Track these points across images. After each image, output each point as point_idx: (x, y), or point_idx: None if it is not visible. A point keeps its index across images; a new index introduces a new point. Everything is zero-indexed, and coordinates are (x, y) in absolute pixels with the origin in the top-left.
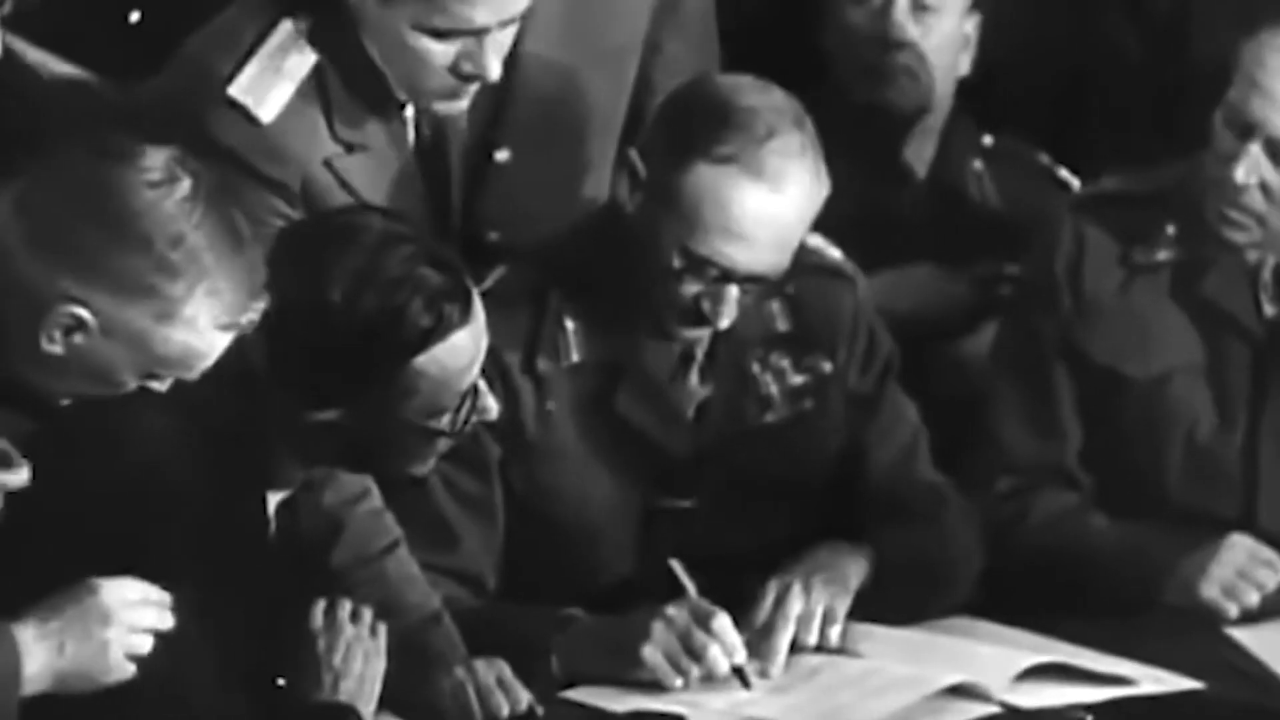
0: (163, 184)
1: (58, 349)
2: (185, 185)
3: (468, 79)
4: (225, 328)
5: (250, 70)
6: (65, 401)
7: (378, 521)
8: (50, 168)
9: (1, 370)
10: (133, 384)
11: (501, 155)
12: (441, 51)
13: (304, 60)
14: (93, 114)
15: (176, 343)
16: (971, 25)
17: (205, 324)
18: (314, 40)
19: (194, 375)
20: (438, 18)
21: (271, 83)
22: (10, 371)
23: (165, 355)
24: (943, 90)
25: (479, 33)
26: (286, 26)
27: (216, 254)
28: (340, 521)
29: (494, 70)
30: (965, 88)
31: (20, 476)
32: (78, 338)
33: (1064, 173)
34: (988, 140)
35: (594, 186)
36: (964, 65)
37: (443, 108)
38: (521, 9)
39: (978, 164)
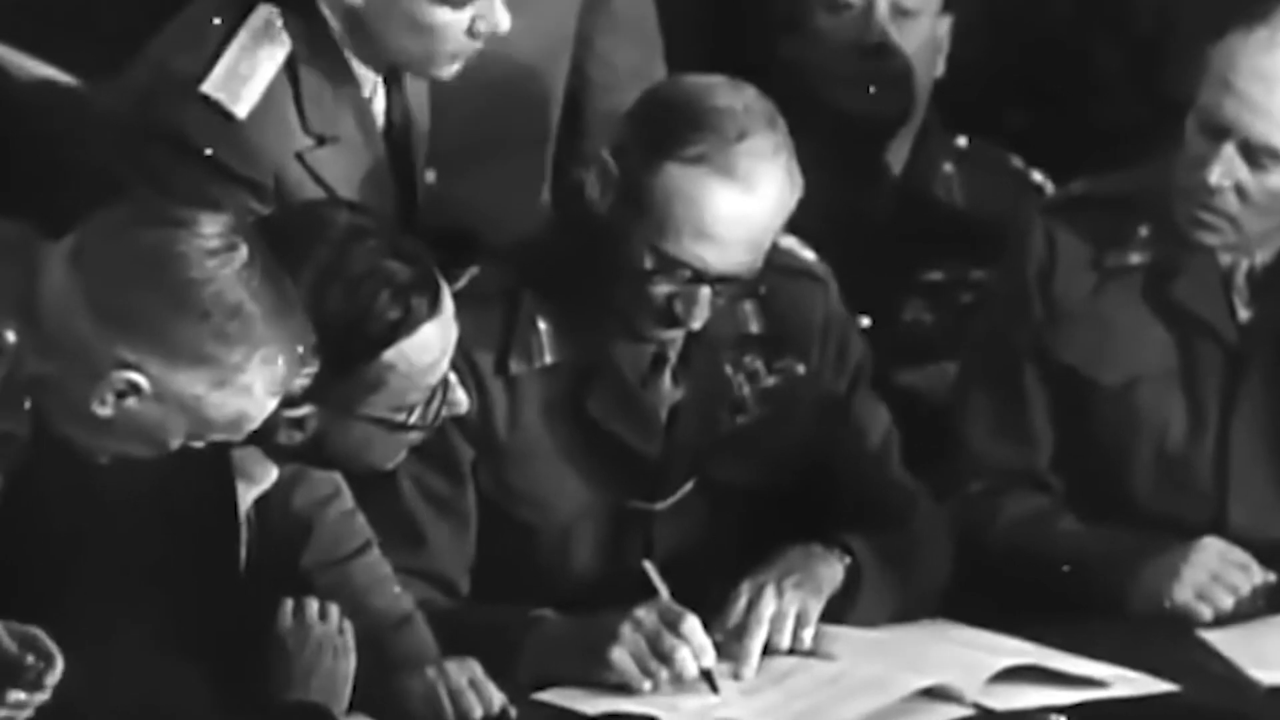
0: (221, 252)
1: (107, 411)
2: (243, 253)
3: (478, 37)
4: (277, 393)
5: (223, 65)
6: (104, 460)
7: (349, 523)
8: (106, 231)
9: (43, 427)
10: (178, 445)
11: (429, 175)
12: (458, 19)
13: (278, 50)
14: (70, 116)
15: (231, 408)
16: (944, 27)
17: (260, 391)
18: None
19: (241, 438)
20: None
21: (246, 77)
22: (52, 428)
23: (217, 419)
24: (920, 93)
25: None
26: (262, 14)
27: (271, 321)
28: (310, 523)
29: (506, 22)
30: (942, 90)
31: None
32: (130, 401)
33: (1037, 176)
34: (961, 142)
35: (531, 178)
36: (939, 67)
37: (445, 72)
38: None
39: (948, 167)
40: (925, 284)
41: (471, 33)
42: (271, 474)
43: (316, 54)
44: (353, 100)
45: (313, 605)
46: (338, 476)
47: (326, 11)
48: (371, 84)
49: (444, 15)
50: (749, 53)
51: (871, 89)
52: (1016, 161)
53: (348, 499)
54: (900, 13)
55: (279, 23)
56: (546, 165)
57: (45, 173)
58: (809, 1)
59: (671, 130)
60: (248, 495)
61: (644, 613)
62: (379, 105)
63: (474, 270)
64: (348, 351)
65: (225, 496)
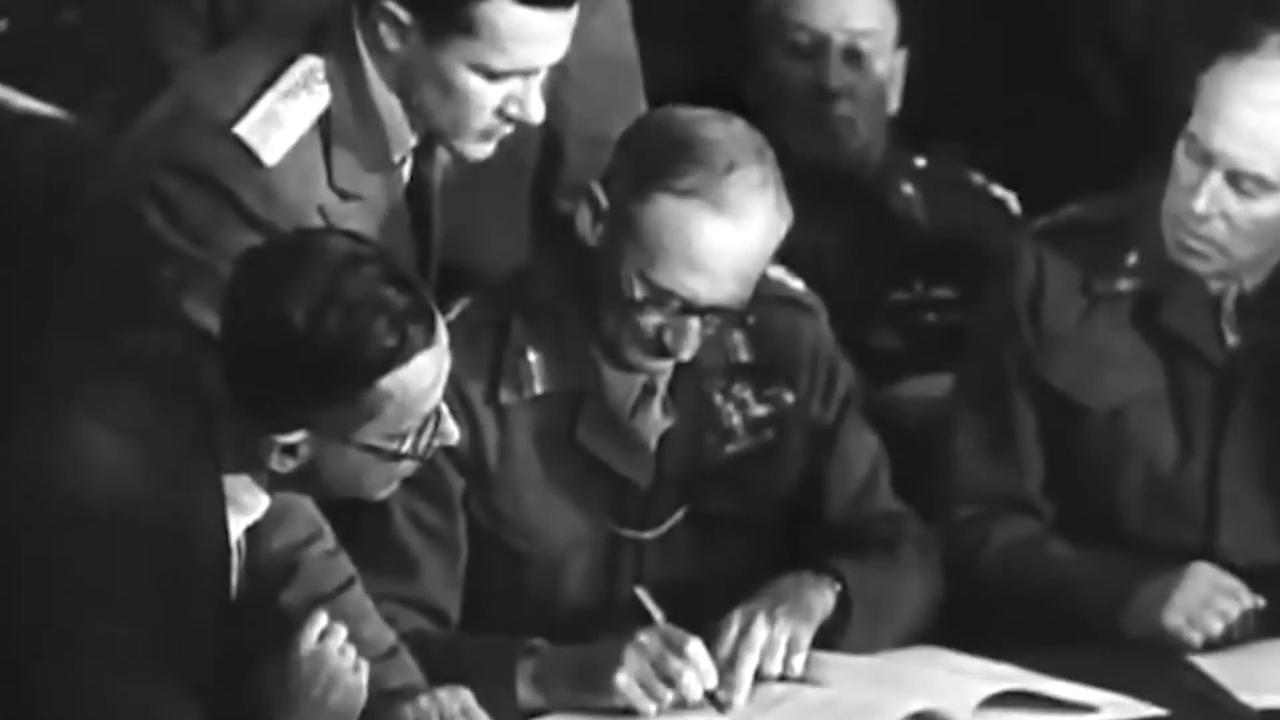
0: None
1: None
2: None
3: (510, 121)
4: None
5: (260, 110)
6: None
7: (331, 561)
8: None
9: None
10: None
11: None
12: (491, 92)
13: (316, 102)
14: (58, 151)
15: None
16: (899, 61)
17: None
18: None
19: None
20: (497, 58)
21: (279, 124)
22: None
23: None
24: (878, 130)
25: (528, 74)
26: (306, 64)
27: None
28: (294, 563)
29: (540, 113)
30: (922, 113)
31: None
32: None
33: (999, 190)
34: (920, 163)
35: (512, 209)
36: (895, 102)
37: (476, 150)
38: (564, 51)
39: (908, 187)
40: (890, 305)
41: (502, 113)
42: (262, 503)
43: (353, 111)
44: (381, 161)
45: (339, 634)
46: (318, 517)
47: (369, 67)
48: (404, 146)
49: (477, 85)
50: (718, 92)
51: (826, 134)
52: (977, 177)
53: (329, 538)
54: (854, 55)
55: (320, 75)
56: (526, 195)
57: (43, 204)
58: (771, 45)
59: (661, 162)
60: (238, 524)
61: (646, 637)
62: (407, 168)
63: (464, 301)
64: (343, 378)
65: (217, 523)
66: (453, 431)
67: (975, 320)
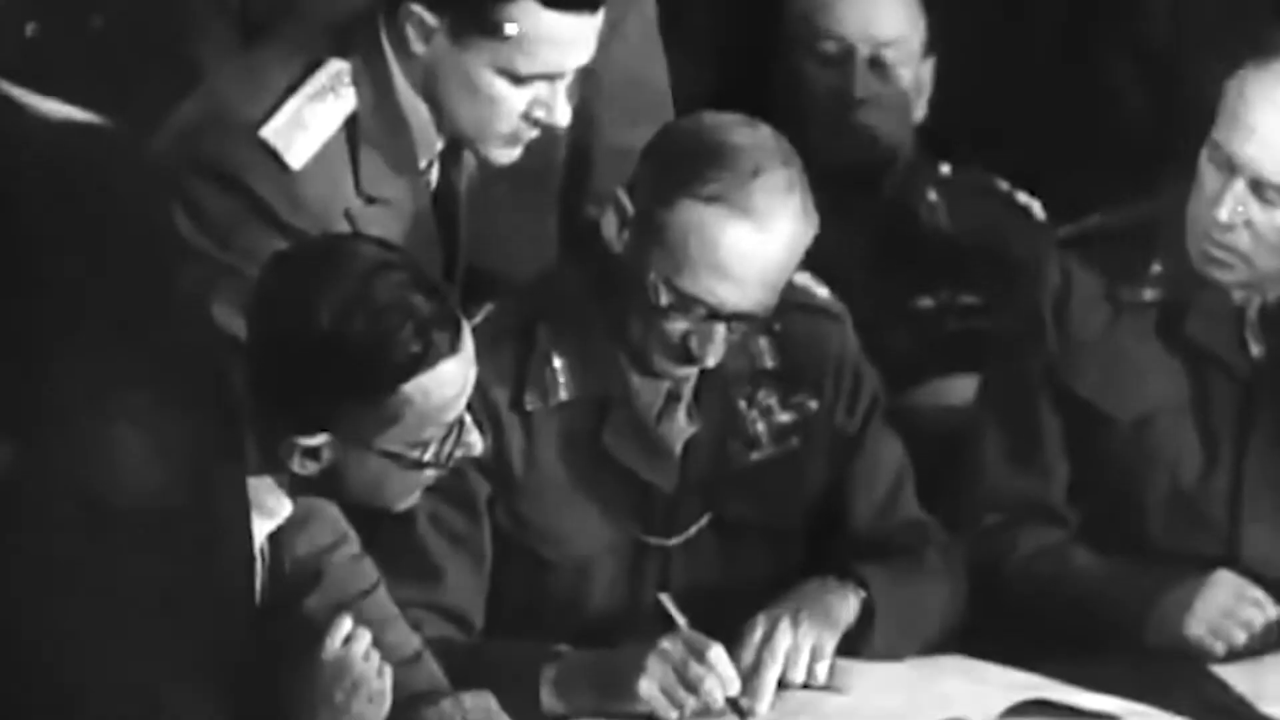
0: None
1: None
2: None
3: (537, 124)
4: None
5: (285, 114)
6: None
7: (357, 566)
8: None
9: None
10: None
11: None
12: (517, 96)
13: (342, 106)
14: (99, 159)
15: None
16: (927, 70)
17: None
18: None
19: None
20: (522, 61)
21: (305, 128)
22: None
23: None
24: (903, 138)
25: (554, 78)
26: (333, 68)
27: None
28: (319, 569)
29: (565, 117)
30: (947, 120)
31: None
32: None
33: (1024, 197)
34: (944, 170)
35: (539, 214)
36: (921, 110)
37: (501, 155)
38: (591, 56)
39: (933, 195)
40: (915, 312)
41: (528, 117)
42: (285, 508)
43: (379, 115)
44: (408, 165)
45: (364, 639)
46: (342, 521)
47: (395, 70)
48: (430, 150)
49: (502, 88)
50: (744, 99)
51: (850, 139)
52: (1002, 184)
53: (354, 543)
54: (880, 63)
55: (347, 78)
56: (553, 201)
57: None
58: (797, 51)
59: (687, 168)
60: (262, 528)
61: (669, 643)
62: (434, 173)
63: (489, 307)
64: (366, 382)
65: (241, 527)
66: (476, 443)
67: (1000, 327)
